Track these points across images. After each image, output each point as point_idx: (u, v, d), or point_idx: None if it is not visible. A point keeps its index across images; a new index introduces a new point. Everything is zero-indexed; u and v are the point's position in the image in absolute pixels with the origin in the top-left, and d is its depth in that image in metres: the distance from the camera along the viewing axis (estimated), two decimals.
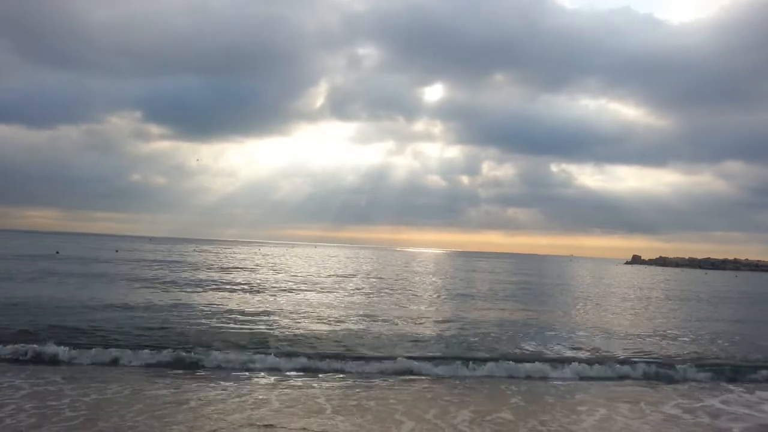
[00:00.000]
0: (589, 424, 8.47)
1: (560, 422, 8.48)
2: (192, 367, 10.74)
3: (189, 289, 24.11)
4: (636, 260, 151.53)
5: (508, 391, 10.23)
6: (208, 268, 39.45)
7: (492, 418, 8.51)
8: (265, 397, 9.07)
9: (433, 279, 40.74)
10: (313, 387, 9.86)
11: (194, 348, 11.75)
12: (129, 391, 8.99)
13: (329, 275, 38.91)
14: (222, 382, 9.83)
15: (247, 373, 10.56)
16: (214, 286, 26.15)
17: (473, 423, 8.27)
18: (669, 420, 8.85)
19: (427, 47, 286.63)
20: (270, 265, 49.94)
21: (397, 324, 16.94)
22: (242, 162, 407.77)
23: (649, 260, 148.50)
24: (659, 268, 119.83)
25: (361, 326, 16.23)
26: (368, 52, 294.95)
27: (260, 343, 12.92)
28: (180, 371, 10.44)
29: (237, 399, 8.87)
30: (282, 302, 21.19)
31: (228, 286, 26.46)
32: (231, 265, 46.22)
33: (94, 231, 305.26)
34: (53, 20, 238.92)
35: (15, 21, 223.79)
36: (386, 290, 28.61)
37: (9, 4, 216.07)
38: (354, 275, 40.30)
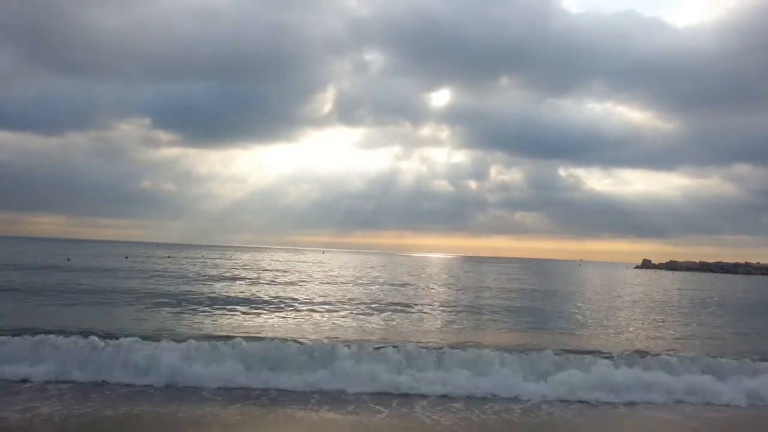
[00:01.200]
0: (517, 411, 9.62)
1: (495, 409, 9.59)
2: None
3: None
4: (646, 264, 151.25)
5: None
6: (243, 280, 35.71)
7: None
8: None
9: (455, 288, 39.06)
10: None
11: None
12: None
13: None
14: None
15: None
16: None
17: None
18: (591, 408, 9.93)
19: (433, 52, 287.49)
20: (295, 272, 50.97)
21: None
22: (250, 168, 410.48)
23: (659, 264, 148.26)
24: (670, 272, 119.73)
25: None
26: (375, 58, 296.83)
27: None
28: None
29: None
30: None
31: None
32: (233, 273, 47.22)
33: (102, 237, 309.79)
34: (62, 26, 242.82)
35: (23, 27, 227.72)
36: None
37: (17, 11, 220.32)
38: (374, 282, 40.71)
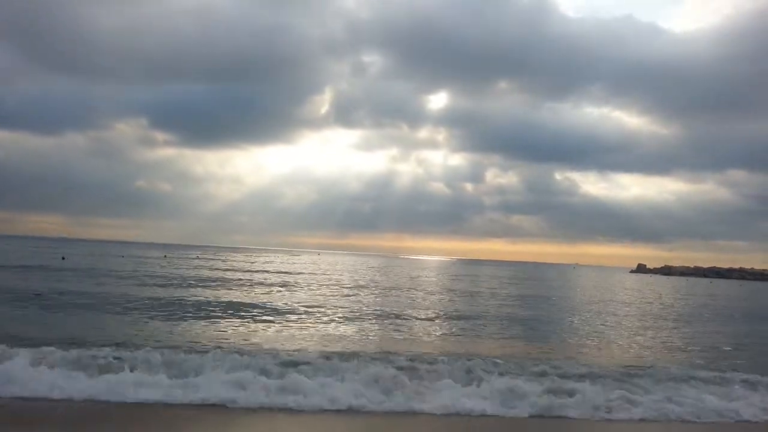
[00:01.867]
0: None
1: None
2: None
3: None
4: (641, 269, 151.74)
5: None
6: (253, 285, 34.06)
7: None
8: None
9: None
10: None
11: None
12: None
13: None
14: None
15: None
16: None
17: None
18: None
19: (432, 55, 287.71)
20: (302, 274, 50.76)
21: None
22: (247, 169, 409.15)
23: (654, 269, 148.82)
24: (664, 277, 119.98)
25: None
26: (373, 60, 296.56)
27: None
28: None
29: None
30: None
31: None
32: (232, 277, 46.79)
33: (99, 237, 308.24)
34: (60, 26, 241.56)
35: (22, 27, 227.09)
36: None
37: (16, 10, 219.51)
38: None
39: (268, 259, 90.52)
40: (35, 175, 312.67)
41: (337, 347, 14.15)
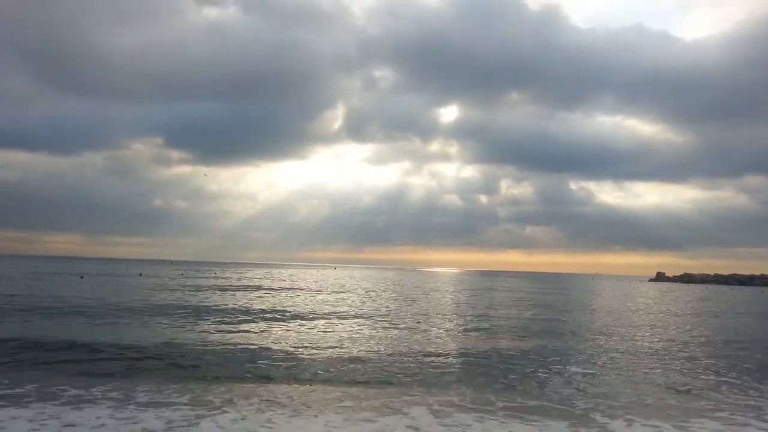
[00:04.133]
0: None
1: None
2: None
3: None
4: (660, 277, 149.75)
5: None
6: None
7: None
8: None
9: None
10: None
11: None
12: None
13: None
14: None
15: None
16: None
17: None
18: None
19: (442, 68, 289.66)
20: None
21: None
22: (261, 185, 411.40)
23: (674, 277, 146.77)
24: (685, 285, 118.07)
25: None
26: (384, 75, 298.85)
27: None
28: None
29: None
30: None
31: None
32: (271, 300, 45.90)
33: (116, 256, 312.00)
34: (76, 48, 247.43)
35: (39, 50, 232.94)
36: None
37: (33, 34, 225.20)
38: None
39: (286, 276, 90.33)
40: (53, 195, 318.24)
41: None
